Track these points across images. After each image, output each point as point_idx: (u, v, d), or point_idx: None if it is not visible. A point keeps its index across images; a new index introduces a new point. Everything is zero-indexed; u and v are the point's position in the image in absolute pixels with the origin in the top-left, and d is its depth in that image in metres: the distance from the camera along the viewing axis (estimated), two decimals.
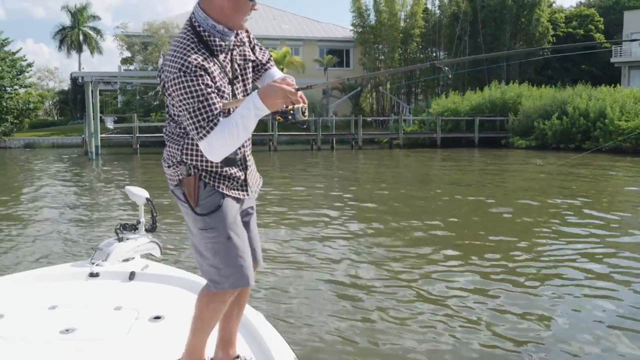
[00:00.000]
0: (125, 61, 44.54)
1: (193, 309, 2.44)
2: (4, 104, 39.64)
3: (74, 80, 30.69)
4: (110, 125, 28.57)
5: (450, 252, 7.54)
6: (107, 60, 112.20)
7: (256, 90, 2.20)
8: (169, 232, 8.68)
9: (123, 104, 41.05)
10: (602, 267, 6.75)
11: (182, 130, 2.29)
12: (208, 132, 2.14)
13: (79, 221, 10.21)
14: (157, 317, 2.99)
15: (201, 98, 2.13)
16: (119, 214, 10.68)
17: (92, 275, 3.61)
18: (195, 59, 2.15)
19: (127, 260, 3.82)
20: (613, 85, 32.94)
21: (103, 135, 29.60)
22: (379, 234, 8.99)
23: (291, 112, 2.19)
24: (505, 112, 33.84)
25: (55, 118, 55.41)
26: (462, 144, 33.68)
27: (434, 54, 48.49)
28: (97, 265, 3.70)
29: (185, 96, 2.13)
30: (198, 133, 2.16)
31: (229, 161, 2.34)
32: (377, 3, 45.98)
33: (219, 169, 2.33)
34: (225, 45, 2.30)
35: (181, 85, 2.13)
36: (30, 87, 45.60)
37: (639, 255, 7.31)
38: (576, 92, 30.98)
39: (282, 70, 18.94)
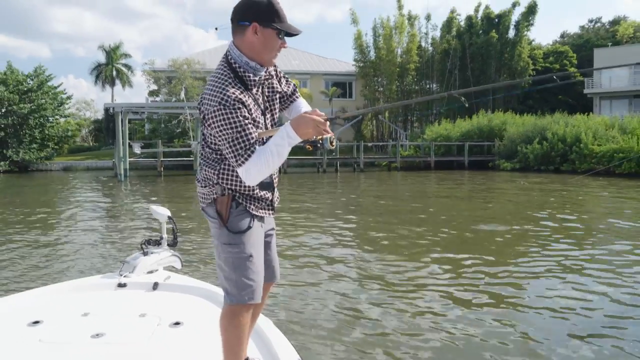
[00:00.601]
0: (152, 93, 44.91)
1: (220, 336, 2.34)
2: (46, 131, 40.16)
3: (106, 110, 31.00)
4: (137, 150, 28.72)
5: (450, 258, 7.52)
6: (136, 92, 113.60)
7: (289, 121, 2.18)
8: (189, 247, 8.70)
9: (150, 131, 41.32)
10: (583, 271, 6.74)
11: (218, 156, 2.28)
12: (246, 159, 2.14)
13: (108, 236, 10.25)
14: (177, 323, 3.01)
15: (239, 129, 2.13)
16: (144, 230, 10.72)
17: (120, 285, 3.63)
18: (234, 93, 2.15)
19: (151, 272, 3.83)
20: (586, 113, 33.07)
21: (131, 159, 29.77)
22: (384, 240, 8.97)
23: (320, 141, 2.19)
24: (491, 138, 33.88)
25: (91, 144, 55.82)
26: (453, 167, 33.66)
27: (428, 86, 48.76)
28: (124, 276, 3.72)
29: (224, 127, 2.13)
30: (237, 160, 2.15)
31: (264, 185, 2.35)
32: (376, 41, 46.36)
33: (252, 191, 2.32)
34: (258, 80, 2.30)
35: (221, 117, 2.12)
36: (69, 117, 46.17)
37: (610, 259, 7.30)
38: (554, 119, 31.07)
39: None
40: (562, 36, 66.92)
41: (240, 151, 2.14)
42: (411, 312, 5.38)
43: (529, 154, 29.21)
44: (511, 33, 45.81)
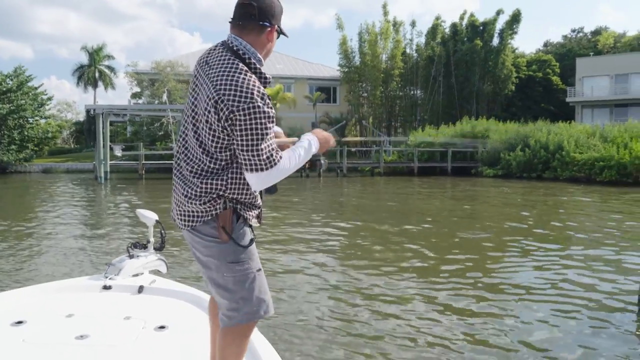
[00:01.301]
0: (134, 96, 44.59)
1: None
2: (26, 133, 39.60)
3: (87, 112, 30.76)
4: (118, 153, 28.49)
5: (434, 262, 7.61)
6: (119, 94, 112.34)
7: (312, 134, 2.12)
8: (175, 251, 8.66)
9: (132, 133, 41.02)
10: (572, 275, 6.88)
11: (221, 164, 2.02)
12: (274, 165, 1.94)
13: (91, 239, 10.18)
14: (162, 327, 3.02)
15: (270, 130, 1.95)
16: (130, 234, 10.66)
17: (106, 287, 3.62)
18: (264, 91, 1.96)
19: (136, 275, 3.83)
20: (568, 121, 33.59)
21: (112, 162, 29.50)
22: (369, 245, 9.01)
23: (320, 161, 2.22)
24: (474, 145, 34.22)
25: (72, 146, 55.20)
26: (436, 173, 33.90)
27: (412, 92, 49.08)
28: (110, 279, 3.71)
29: (258, 126, 1.91)
30: (263, 165, 1.93)
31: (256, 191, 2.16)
32: (361, 46, 46.53)
33: (252, 200, 2.13)
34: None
35: (256, 116, 1.90)
36: (49, 118, 45.60)
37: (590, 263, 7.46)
38: (537, 127, 31.53)
39: (275, 105, 19.06)
40: (545, 45, 68.00)
41: (268, 155, 1.93)
42: (398, 316, 5.43)
43: (512, 161, 29.57)
44: (495, 41, 46.42)
